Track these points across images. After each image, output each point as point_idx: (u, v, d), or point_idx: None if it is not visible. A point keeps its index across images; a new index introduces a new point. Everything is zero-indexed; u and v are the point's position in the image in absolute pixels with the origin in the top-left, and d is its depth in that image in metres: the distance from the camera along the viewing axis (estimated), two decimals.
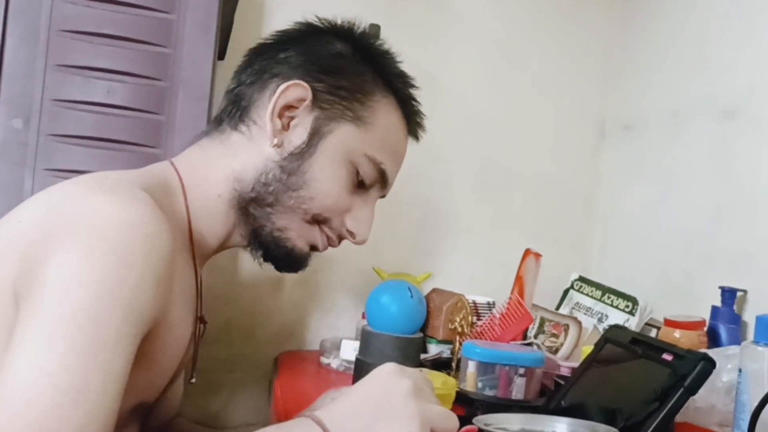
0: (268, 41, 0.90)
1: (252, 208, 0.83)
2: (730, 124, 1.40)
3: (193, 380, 0.91)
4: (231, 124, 0.86)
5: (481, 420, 0.82)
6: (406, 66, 0.94)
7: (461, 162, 1.75)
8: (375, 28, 1.53)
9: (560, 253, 1.73)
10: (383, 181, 0.89)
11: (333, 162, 0.84)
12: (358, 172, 0.86)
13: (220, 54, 1.40)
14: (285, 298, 1.63)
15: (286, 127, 0.83)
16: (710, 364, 0.87)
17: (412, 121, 0.91)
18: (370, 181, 0.88)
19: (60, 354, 0.58)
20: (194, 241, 0.82)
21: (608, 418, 0.89)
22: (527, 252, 1.52)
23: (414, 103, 0.92)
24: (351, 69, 0.85)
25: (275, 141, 0.82)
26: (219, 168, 0.83)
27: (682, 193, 1.52)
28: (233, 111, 0.86)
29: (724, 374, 0.95)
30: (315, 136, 0.83)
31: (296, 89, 0.82)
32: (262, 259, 0.88)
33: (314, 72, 0.84)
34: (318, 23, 0.91)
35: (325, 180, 0.84)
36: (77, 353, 0.58)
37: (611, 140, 1.81)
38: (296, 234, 0.86)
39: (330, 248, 0.93)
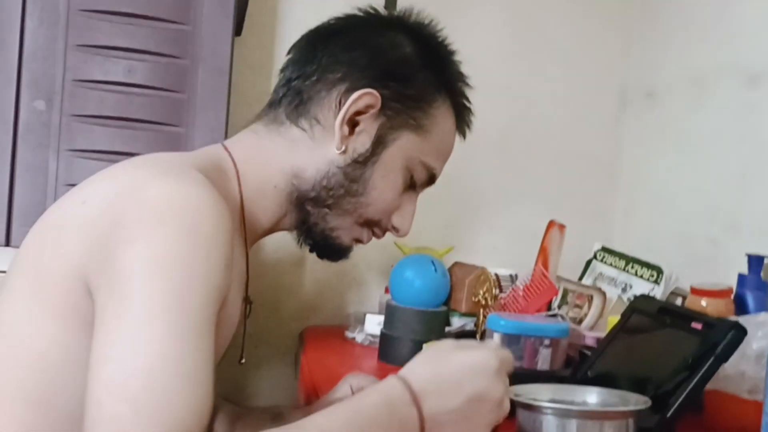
0: (332, 29, 0.87)
1: (309, 206, 0.84)
2: (756, 90, 1.38)
3: (243, 360, 0.92)
4: (291, 118, 0.84)
5: (510, 391, 0.82)
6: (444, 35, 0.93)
7: (481, 134, 1.72)
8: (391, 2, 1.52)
9: (582, 224, 1.72)
10: (432, 182, 0.92)
11: (392, 170, 0.85)
12: (412, 177, 0.88)
13: (237, 30, 1.40)
14: (308, 275, 1.64)
15: (350, 133, 0.83)
16: (741, 332, 0.86)
17: (463, 121, 0.92)
18: (420, 183, 0.90)
19: (161, 338, 0.59)
20: (246, 225, 0.82)
21: (637, 388, 0.89)
22: (551, 223, 1.51)
23: (467, 103, 0.92)
24: (417, 75, 0.85)
25: (342, 147, 0.82)
26: (277, 160, 0.83)
27: (707, 161, 1.50)
28: (294, 104, 0.84)
29: (754, 342, 0.94)
30: (379, 144, 0.83)
31: (366, 98, 0.82)
32: (308, 248, 0.90)
33: (382, 78, 0.83)
34: (383, 13, 0.89)
35: (383, 187, 0.85)
36: (176, 336, 0.60)
37: (633, 108, 1.79)
38: (346, 233, 0.87)
39: None
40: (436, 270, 1.29)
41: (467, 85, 0.92)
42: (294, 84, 0.85)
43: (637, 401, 0.80)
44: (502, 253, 1.70)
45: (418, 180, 0.88)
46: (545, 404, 0.78)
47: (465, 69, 1.68)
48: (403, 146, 0.84)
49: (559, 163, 1.78)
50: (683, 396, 0.84)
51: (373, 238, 0.92)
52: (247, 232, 0.83)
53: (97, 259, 0.64)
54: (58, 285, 0.67)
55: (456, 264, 1.56)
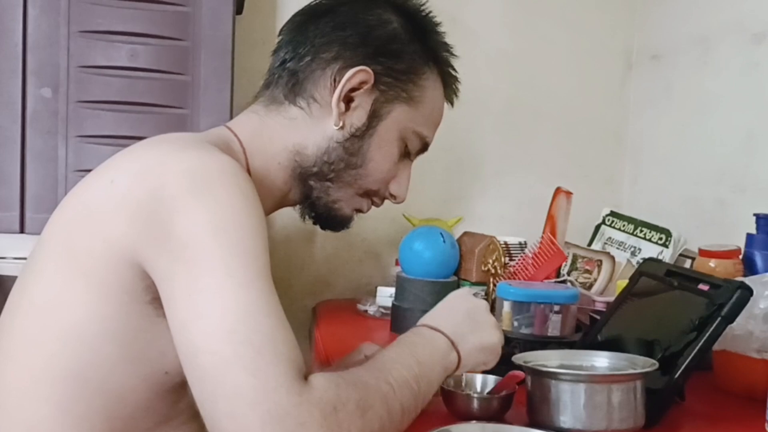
0: (321, 9, 0.90)
1: (312, 180, 0.88)
2: (761, 48, 1.36)
3: None
4: (289, 98, 0.87)
5: (520, 358, 0.84)
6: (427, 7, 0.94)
7: (486, 103, 1.74)
8: None
9: (590, 189, 1.72)
10: (425, 150, 0.96)
11: (388, 141, 0.89)
12: (406, 146, 0.92)
13: (238, 9, 1.40)
14: (318, 250, 1.66)
15: (347, 109, 0.87)
16: (747, 292, 0.87)
17: (450, 89, 0.96)
18: (414, 152, 0.94)
19: (244, 287, 0.63)
20: None
21: (646, 350, 0.90)
22: (558, 190, 1.52)
23: (453, 72, 0.95)
24: (406, 50, 0.88)
25: (339, 123, 0.86)
26: (279, 138, 0.87)
27: (713, 121, 1.50)
28: (291, 85, 0.87)
29: (761, 301, 0.94)
30: (374, 118, 0.87)
31: (360, 74, 0.85)
32: (312, 221, 0.94)
33: (374, 55, 0.86)
34: None
35: (380, 158, 0.89)
36: (254, 284, 0.64)
37: (638, 71, 1.78)
38: (347, 204, 0.91)
39: None
40: (444, 241, 1.30)
41: (452, 54, 0.95)
42: (289, 65, 0.88)
43: (645, 364, 0.81)
44: (511, 221, 1.71)
45: (413, 149, 0.93)
46: (554, 370, 0.80)
47: (469, 39, 1.69)
48: (397, 118, 0.88)
49: (565, 129, 1.78)
50: (690, 357, 0.85)
51: (377, 209, 0.97)
52: None
53: (146, 233, 0.67)
54: (99, 263, 0.69)
55: (465, 234, 1.57)
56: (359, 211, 0.94)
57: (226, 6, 1.24)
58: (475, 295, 0.92)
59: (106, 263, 0.69)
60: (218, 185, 0.67)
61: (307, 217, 0.93)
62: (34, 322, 0.72)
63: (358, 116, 0.86)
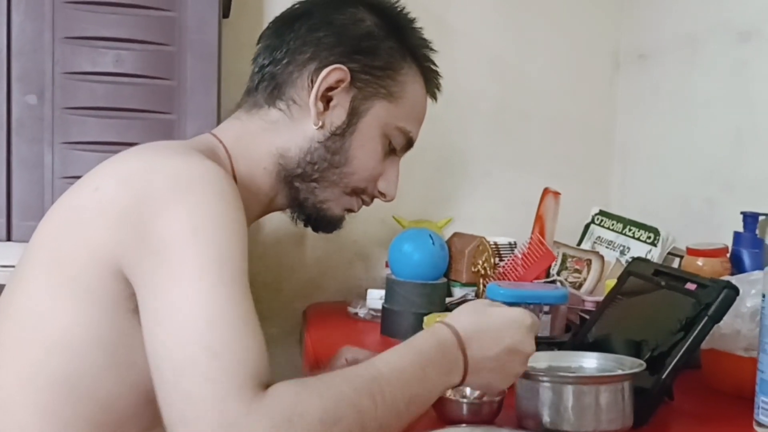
0: (296, 13, 0.91)
1: (297, 182, 0.88)
2: (748, 47, 1.37)
3: None
4: (269, 102, 0.88)
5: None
6: (415, 10, 0.95)
7: (475, 104, 1.74)
8: None
9: (580, 189, 1.73)
10: (410, 145, 0.96)
11: (370, 138, 0.89)
12: (390, 142, 0.92)
13: (225, 12, 1.39)
14: (309, 252, 1.66)
15: (325, 108, 0.87)
16: (733, 292, 0.87)
17: (432, 84, 0.96)
18: (399, 148, 0.94)
19: (215, 291, 0.63)
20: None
21: (634, 350, 0.90)
22: (546, 191, 1.52)
23: (433, 67, 0.96)
24: (381, 46, 0.89)
25: (319, 123, 0.87)
26: (262, 143, 0.88)
27: (701, 120, 1.50)
28: (270, 89, 0.88)
29: (748, 299, 0.95)
30: (354, 115, 0.88)
31: (335, 73, 0.86)
32: (302, 224, 0.94)
33: (349, 53, 0.87)
34: None
35: (364, 156, 0.89)
36: (227, 288, 0.64)
37: (626, 71, 1.78)
38: (336, 204, 0.92)
39: None
40: (434, 243, 1.30)
41: (431, 49, 0.95)
42: (267, 70, 0.89)
43: (632, 365, 0.81)
44: (501, 221, 1.71)
45: (397, 145, 0.93)
46: (542, 372, 0.80)
47: (458, 40, 1.69)
48: (378, 114, 0.89)
49: (554, 129, 1.78)
50: (678, 357, 0.86)
51: (367, 211, 0.98)
52: None
53: (127, 238, 0.67)
54: (83, 270, 0.69)
55: (455, 235, 1.57)
56: (350, 210, 0.94)
57: (212, 10, 1.24)
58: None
59: (92, 271, 0.69)
60: (200, 190, 0.68)
61: (298, 220, 0.93)
62: (21, 328, 0.72)
63: (337, 115, 0.87)
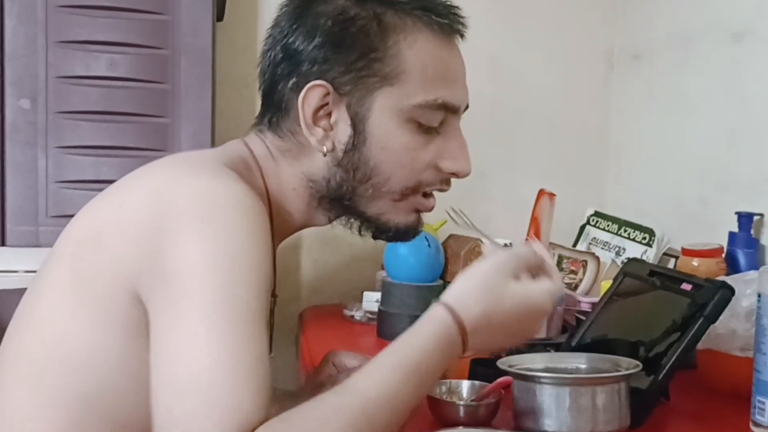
0: (279, 24, 0.81)
1: (342, 202, 0.80)
2: (740, 47, 1.37)
3: (272, 354, 0.93)
4: (275, 131, 0.80)
5: (505, 362, 0.84)
6: None
7: (470, 106, 1.74)
8: None
9: (575, 190, 1.73)
10: (452, 109, 0.80)
11: (389, 135, 0.77)
12: (420, 124, 0.78)
13: (219, 15, 1.39)
14: (304, 255, 1.65)
15: (329, 128, 0.77)
16: (729, 292, 0.87)
17: (444, 21, 0.79)
18: (438, 122, 0.79)
19: (220, 335, 0.60)
20: (274, 221, 0.80)
21: (630, 351, 0.90)
22: (541, 192, 1.52)
23: (433, 2, 0.80)
24: (350, 33, 0.76)
25: (324, 149, 0.77)
26: (287, 165, 0.80)
27: (695, 120, 1.50)
28: (271, 115, 0.80)
29: (743, 299, 0.95)
30: (358, 122, 0.77)
31: (313, 91, 0.76)
32: (372, 237, 0.85)
33: (321, 61, 0.76)
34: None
35: (391, 157, 0.77)
36: (234, 332, 0.60)
37: (620, 71, 1.79)
38: (393, 215, 0.82)
39: None
40: (429, 245, 1.30)
41: None
42: (272, 92, 0.80)
43: (628, 365, 0.81)
44: (497, 223, 1.70)
45: (432, 121, 0.79)
46: (538, 374, 0.80)
47: None
48: (384, 106, 0.76)
49: (548, 130, 1.78)
50: (674, 357, 0.86)
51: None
52: (275, 228, 0.79)
53: (146, 262, 0.64)
54: (104, 290, 0.67)
55: (451, 237, 1.57)
56: (422, 210, 0.84)
57: (206, 13, 1.23)
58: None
59: (113, 293, 0.67)
60: (222, 219, 0.64)
61: (371, 236, 0.84)
62: (40, 345, 0.70)
63: (342, 130, 0.77)
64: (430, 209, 0.85)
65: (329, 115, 0.77)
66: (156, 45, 1.21)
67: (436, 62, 0.78)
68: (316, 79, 0.75)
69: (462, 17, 0.82)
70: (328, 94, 0.76)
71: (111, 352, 0.68)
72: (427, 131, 0.79)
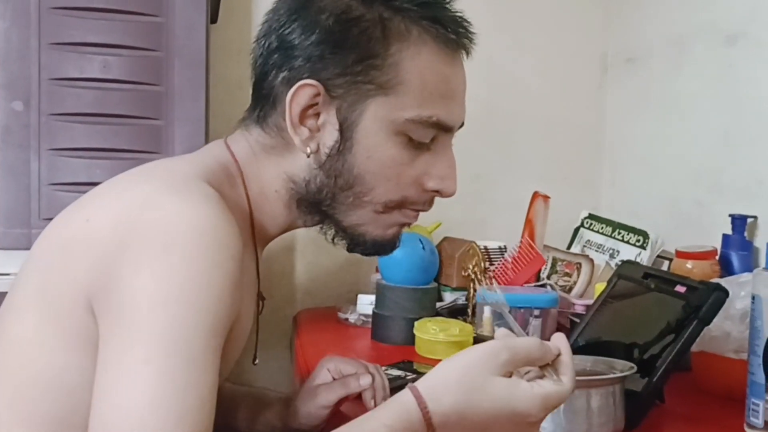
0: (278, 12, 0.77)
1: (320, 207, 0.78)
2: (734, 49, 1.38)
3: (257, 362, 0.92)
4: (261, 125, 0.77)
5: None
6: None
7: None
8: None
9: (569, 192, 1.73)
10: (445, 128, 0.77)
11: (377, 145, 0.74)
12: (411, 139, 0.75)
13: (213, 17, 1.39)
14: (299, 258, 1.65)
15: (315, 129, 0.74)
16: (723, 294, 0.88)
17: (452, 36, 0.76)
18: (430, 138, 0.76)
19: (156, 378, 0.58)
20: (255, 227, 0.79)
21: (625, 353, 0.90)
22: (535, 194, 1.52)
23: (443, 15, 0.76)
24: (352, 34, 0.72)
25: (308, 150, 0.74)
26: (270, 165, 0.77)
27: (689, 123, 1.51)
28: (260, 109, 0.78)
29: (737, 302, 0.95)
30: (346, 128, 0.73)
31: (304, 90, 0.72)
32: (346, 249, 0.82)
33: (317, 59, 0.72)
34: None
35: (376, 168, 0.74)
36: (172, 376, 0.59)
37: (614, 74, 1.79)
38: (373, 227, 0.79)
39: None
40: (424, 248, 1.30)
41: None
42: (256, 86, 0.79)
43: (623, 368, 0.81)
44: (491, 225, 1.71)
45: (423, 138, 0.76)
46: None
47: None
48: (376, 115, 0.73)
49: (543, 133, 1.79)
50: (669, 359, 0.86)
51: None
52: (256, 235, 0.79)
53: (102, 281, 0.63)
54: (66, 307, 0.66)
55: (445, 239, 1.57)
56: (403, 225, 0.81)
57: (200, 15, 1.23)
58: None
59: (75, 312, 0.66)
60: (179, 249, 0.61)
61: (338, 242, 0.81)
62: (12, 362, 0.69)
63: (329, 133, 0.74)
64: (412, 224, 0.82)
65: (317, 115, 0.74)
66: (150, 47, 1.20)
67: (437, 78, 0.75)
68: (309, 77, 0.72)
69: (472, 33, 0.79)
70: (318, 94, 0.73)
71: (83, 375, 0.66)
72: (417, 147, 0.76)
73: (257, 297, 0.84)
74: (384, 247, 0.81)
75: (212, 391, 0.61)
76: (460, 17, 0.78)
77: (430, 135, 0.76)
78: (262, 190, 0.77)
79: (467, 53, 0.79)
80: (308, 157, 0.75)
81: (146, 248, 0.62)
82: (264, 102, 0.77)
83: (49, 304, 0.67)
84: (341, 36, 0.72)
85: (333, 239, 0.81)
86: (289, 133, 0.74)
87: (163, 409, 0.58)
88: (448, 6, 0.77)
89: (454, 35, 0.76)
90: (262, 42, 0.77)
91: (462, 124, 0.82)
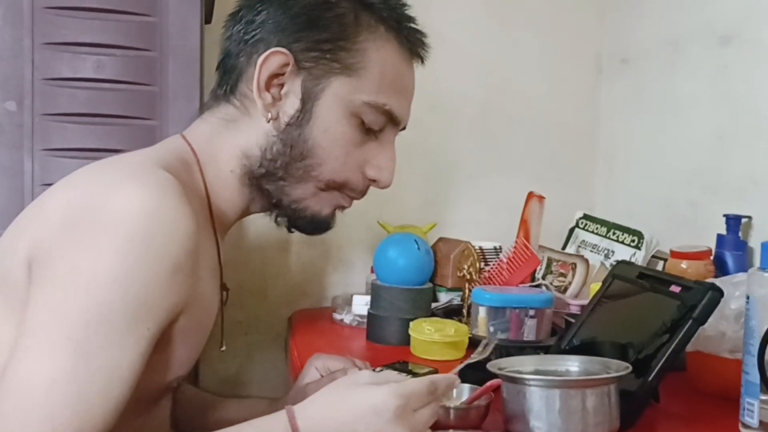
0: (244, 2, 0.84)
1: (265, 183, 0.82)
2: (729, 50, 1.38)
3: (223, 348, 0.92)
4: (226, 98, 0.83)
5: (494, 364, 0.84)
6: None
7: (459, 109, 1.74)
8: None
9: (564, 193, 1.73)
10: (394, 120, 0.84)
11: (333, 122, 0.80)
12: (363, 122, 0.81)
13: (207, 18, 1.38)
14: (294, 259, 1.65)
15: (278, 98, 0.80)
16: (718, 294, 0.88)
17: (411, 42, 0.85)
18: (379, 126, 0.83)
19: (67, 357, 0.61)
20: (214, 215, 0.82)
21: (620, 353, 0.90)
22: (530, 195, 1.52)
23: (407, 23, 0.85)
24: (328, 15, 0.79)
25: (269, 115, 0.79)
26: (226, 144, 0.81)
27: (684, 123, 1.51)
28: (226, 83, 0.83)
29: (732, 302, 0.95)
30: (308, 100, 0.79)
31: (275, 57, 0.78)
32: (286, 228, 0.87)
33: (291, 32, 0.79)
34: None
35: (328, 143, 0.80)
36: (84, 357, 0.61)
37: (609, 75, 1.79)
38: (314, 202, 0.84)
39: None
40: (419, 248, 1.30)
41: (402, 4, 0.85)
42: (222, 64, 0.84)
43: (618, 367, 0.81)
44: (486, 226, 1.71)
45: (374, 123, 0.82)
46: (528, 376, 0.80)
47: (441, 44, 1.66)
48: (336, 93, 0.79)
49: (538, 133, 1.79)
50: (664, 359, 0.86)
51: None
52: (215, 222, 0.82)
53: (42, 254, 0.65)
54: (12, 283, 0.68)
55: (440, 240, 1.57)
56: (339, 207, 0.87)
57: (194, 15, 1.22)
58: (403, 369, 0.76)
59: (18, 285, 0.67)
60: (120, 234, 0.63)
61: (285, 226, 0.87)
62: None
63: (290, 103, 0.79)
64: (347, 207, 0.87)
65: (281, 86, 0.79)
66: (143, 47, 1.20)
67: (395, 73, 0.82)
68: (280, 46, 0.78)
69: (427, 46, 0.87)
70: (287, 64, 0.78)
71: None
72: (367, 132, 0.82)
73: (220, 287, 0.85)
74: (320, 224, 0.86)
75: (128, 377, 0.63)
76: (420, 30, 0.86)
77: (381, 123, 0.82)
78: (218, 172, 0.81)
79: (422, 62, 0.87)
80: (268, 122, 0.79)
81: (90, 229, 0.64)
82: (231, 73, 0.82)
83: (7, 296, 0.69)
84: (317, 15, 0.79)
85: (276, 219, 0.86)
86: (251, 100, 0.79)
87: (66, 388, 0.60)
88: (412, 17, 0.85)
89: (412, 43, 0.84)
90: (238, 17, 0.83)
91: (404, 127, 0.88)
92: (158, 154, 0.77)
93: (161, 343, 0.69)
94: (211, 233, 0.81)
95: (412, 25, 0.85)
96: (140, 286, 0.64)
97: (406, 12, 0.85)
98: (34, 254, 0.66)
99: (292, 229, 0.88)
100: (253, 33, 0.80)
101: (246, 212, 0.86)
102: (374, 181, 0.85)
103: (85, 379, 0.61)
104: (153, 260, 0.64)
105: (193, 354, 0.78)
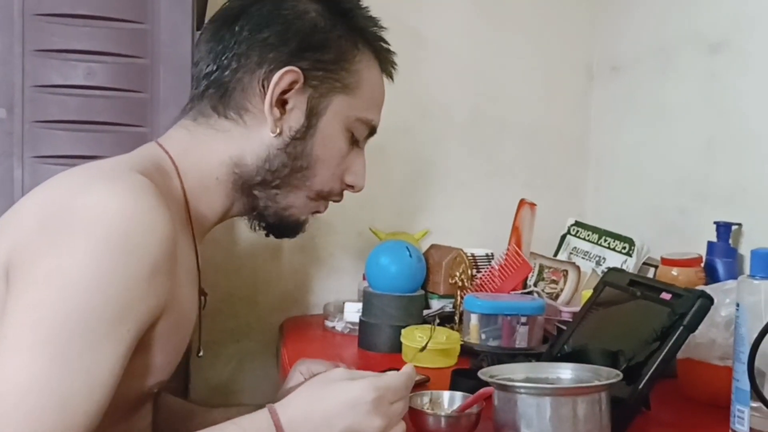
0: (233, 13, 0.85)
1: (256, 191, 0.85)
2: (718, 58, 1.39)
3: (201, 354, 0.93)
4: (219, 110, 0.84)
5: (485, 372, 0.84)
6: (388, 21, 0.92)
7: (450, 115, 1.75)
8: None
9: (555, 199, 1.74)
10: (373, 132, 0.92)
11: (333, 136, 0.86)
12: (353, 135, 0.88)
13: (198, 25, 1.38)
14: (285, 266, 1.64)
15: (283, 113, 0.83)
16: (708, 301, 0.88)
17: (386, 63, 0.92)
18: (362, 138, 0.91)
19: (47, 359, 0.61)
20: (193, 219, 0.83)
21: (611, 361, 0.90)
22: (522, 202, 1.53)
23: (385, 45, 0.91)
24: (330, 37, 0.84)
25: (277, 130, 0.83)
26: (214, 153, 0.83)
27: (674, 130, 1.52)
28: (218, 96, 0.84)
29: (722, 309, 0.96)
30: (313, 116, 0.84)
31: (288, 75, 0.82)
32: (263, 231, 0.90)
33: (298, 52, 0.82)
34: None
35: (328, 155, 0.86)
36: (64, 359, 0.61)
37: (600, 82, 1.80)
38: (300, 210, 0.88)
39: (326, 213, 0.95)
40: (411, 255, 1.30)
41: (380, 27, 0.90)
42: (214, 77, 0.84)
43: (609, 375, 0.81)
44: (478, 233, 1.71)
45: (360, 136, 0.89)
46: (518, 384, 0.80)
47: (433, 51, 1.70)
48: (337, 110, 0.85)
49: (529, 140, 1.79)
50: (654, 367, 0.86)
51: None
52: (194, 227, 0.83)
53: (16, 254, 0.66)
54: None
55: (432, 246, 1.57)
56: (315, 212, 0.91)
57: (185, 22, 1.22)
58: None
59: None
60: (96, 235, 0.64)
61: (257, 228, 0.90)
62: None
63: (295, 118, 0.83)
64: (321, 212, 0.92)
65: (287, 101, 0.83)
66: (134, 54, 1.20)
67: (378, 91, 0.90)
68: (289, 65, 0.81)
69: (396, 65, 0.93)
70: (296, 81, 0.82)
71: None
72: (352, 143, 0.89)
73: (198, 292, 0.85)
74: (296, 229, 0.90)
75: (108, 379, 0.64)
76: (393, 54, 0.92)
77: (364, 135, 0.90)
78: (201, 179, 0.83)
79: (391, 80, 0.93)
80: (274, 136, 0.82)
81: (63, 231, 0.64)
82: (223, 87, 0.83)
83: None
84: (324, 36, 0.84)
85: (253, 222, 0.89)
86: (251, 114, 0.82)
87: (47, 390, 0.60)
88: (388, 44, 0.91)
89: (389, 64, 0.92)
90: (233, 29, 0.84)
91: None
92: (133, 160, 0.79)
93: (140, 348, 0.69)
94: (190, 237, 0.82)
95: (386, 46, 0.91)
96: (119, 288, 0.64)
97: (382, 33, 0.91)
98: (10, 259, 0.66)
99: (269, 234, 0.91)
100: (256, 52, 0.82)
101: (225, 216, 0.88)
102: (351, 186, 0.91)
103: (66, 382, 0.61)
104: (131, 261, 0.65)
105: (172, 359, 0.78)
